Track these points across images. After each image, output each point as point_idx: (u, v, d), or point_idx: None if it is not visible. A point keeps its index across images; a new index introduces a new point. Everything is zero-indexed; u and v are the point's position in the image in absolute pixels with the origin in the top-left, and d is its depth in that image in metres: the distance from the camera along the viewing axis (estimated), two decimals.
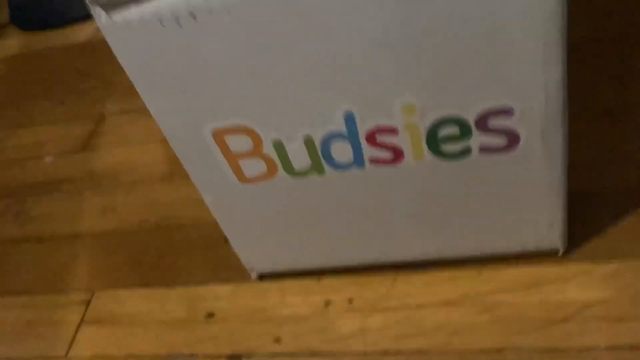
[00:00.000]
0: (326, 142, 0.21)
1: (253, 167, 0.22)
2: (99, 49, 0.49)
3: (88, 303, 0.30)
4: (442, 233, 0.25)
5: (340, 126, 0.20)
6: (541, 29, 0.17)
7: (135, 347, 0.27)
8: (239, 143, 0.22)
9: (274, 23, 0.18)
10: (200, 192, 0.24)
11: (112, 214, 0.34)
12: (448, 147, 0.21)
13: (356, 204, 0.24)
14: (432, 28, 0.17)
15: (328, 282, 0.27)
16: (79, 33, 0.52)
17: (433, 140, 0.21)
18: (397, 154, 0.21)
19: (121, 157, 0.38)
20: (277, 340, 0.25)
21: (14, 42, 0.54)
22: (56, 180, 0.38)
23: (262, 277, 0.28)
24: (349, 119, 0.20)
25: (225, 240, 0.30)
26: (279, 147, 0.21)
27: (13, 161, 0.41)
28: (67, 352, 0.28)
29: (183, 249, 0.31)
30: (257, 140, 0.21)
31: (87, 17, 0.54)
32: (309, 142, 0.21)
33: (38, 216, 0.36)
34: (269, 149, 0.22)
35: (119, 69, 0.48)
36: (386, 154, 0.21)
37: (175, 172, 0.35)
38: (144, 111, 0.41)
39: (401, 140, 0.21)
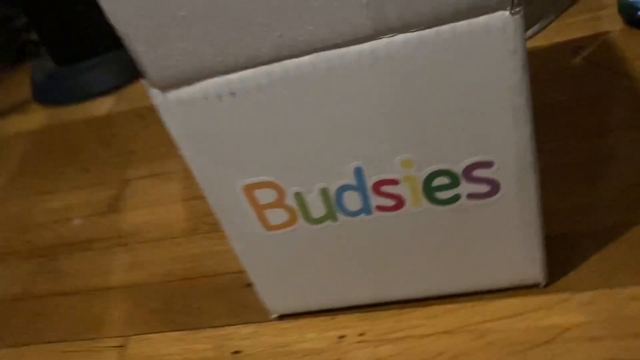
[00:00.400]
0: (339, 193, 0.25)
1: (277, 216, 0.26)
2: (117, 121, 0.54)
3: (123, 347, 0.33)
4: (439, 271, 0.28)
5: (351, 179, 0.25)
6: (509, 100, 0.22)
7: None
8: (265, 196, 0.26)
9: (297, 99, 0.22)
10: (230, 239, 0.28)
11: (140, 268, 0.38)
12: (441, 195, 0.25)
13: (365, 246, 0.27)
14: (424, 103, 0.22)
15: (341, 318, 0.30)
16: (99, 107, 0.57)
17: (428, 189, 0.25)
18: (399, 202, 0.25)
19: (146, 217, 0.42)
20: None
21: (38, 117, 0.59)
22: (86, 240, 0.42)
23: (281, 317, 0.31)
24: (358, 173, 0.24)
25: (246, 286, 0.34)
26: (299, 198, 0.25)
27: (43, 225, 0.45)
28: None
29: (207, 296, 0.34)
30: (281, 193, 0.25)
31: (105, 92, 0.59)
32: (324, 194, 0.25)
33: (71, 272, 0.39)
34: (291, 200, 0.26)
35: (138, 139, 0.52)
36: (390, 202, 0.25)
37: (196, 228, 0.39)
38: (164, 176, 0.45)
39: (402, 190, 0.25)
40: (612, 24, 0.45)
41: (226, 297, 0.34)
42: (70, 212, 0.45)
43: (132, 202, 0.43)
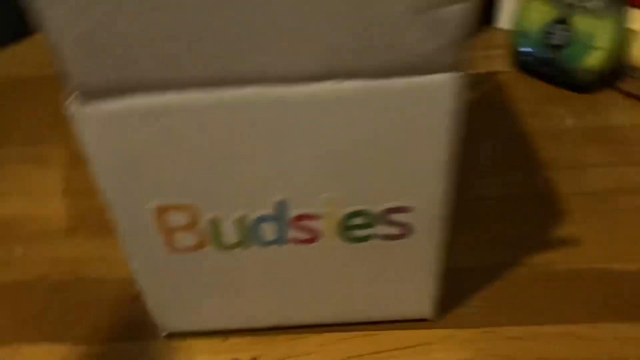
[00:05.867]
0: (257, 223, 0.25)
1: (185, 240, 0.25)
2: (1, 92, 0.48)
3: None
4: (337, 301, 0.29)
5: (271, 211, 0.24)
6: (437, 155, 0.23)
7: None
8: (178, 219, 0.24)
9: (230, 128, 0.21)
10: (128, 257, 0.26)
11: (9, 268, 0.34)
12: (356, 233, 0.25)
13: (269, 273, 0.27)
14: (358, 148, 0.22)
15: (234, 341, 0.30)
16: None
17: (345, 227, 0.25)
18: (314, 235, 0.25)
19: (19, 208, 0.38)
20: None
21: None
22: None
23: (170, 335, 0.30)
24: (281, 207, 0.24)
25: (133, 299, 0.32)
26: (213, 225, 0.25)
27: None
28: None
29: (89, 306, 0.32)
30: (194, 218, 0.24)
31: None
32: (241, 222, 0.24)
33: None
34: (203, 226, 0.25)
35: (21, 115, 0.47)
36: (305, 235, 0.25)
37: (77, 227, 0.36)
38: (45, 161, 0.41)
39: (320, 225, 0.25)
40: (502, 65, 0.48)
41: (110, 309, 0.32)
42: None
43: (4, 189, 0.39)
